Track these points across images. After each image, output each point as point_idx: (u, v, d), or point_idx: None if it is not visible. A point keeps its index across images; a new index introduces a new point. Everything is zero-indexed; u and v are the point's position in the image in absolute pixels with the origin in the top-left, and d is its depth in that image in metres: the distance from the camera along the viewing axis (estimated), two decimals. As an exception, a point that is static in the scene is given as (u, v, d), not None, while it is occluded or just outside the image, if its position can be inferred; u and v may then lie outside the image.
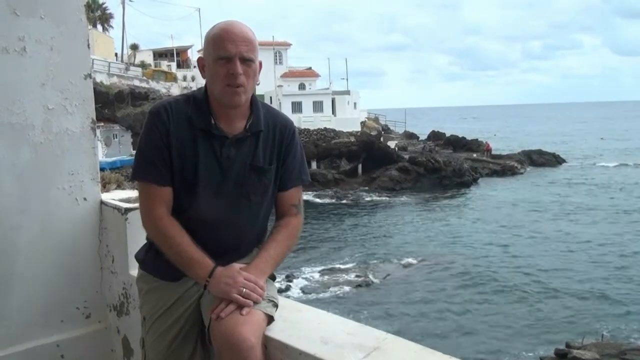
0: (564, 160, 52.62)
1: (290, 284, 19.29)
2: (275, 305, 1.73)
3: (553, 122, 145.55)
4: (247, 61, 1.72)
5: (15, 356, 2.42)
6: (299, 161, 1.90)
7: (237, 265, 1.71)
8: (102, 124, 33.60)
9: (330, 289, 19.16)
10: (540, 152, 53.10)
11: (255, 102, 1.83)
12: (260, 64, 1.80)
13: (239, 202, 1.80)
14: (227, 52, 1.69)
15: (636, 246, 23.91)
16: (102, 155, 31.40)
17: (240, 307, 1.60)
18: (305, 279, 20.16)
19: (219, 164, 1.76)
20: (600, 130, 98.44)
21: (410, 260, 22.55)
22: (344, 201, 35.22)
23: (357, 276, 20.41)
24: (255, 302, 1.63)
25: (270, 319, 1.67)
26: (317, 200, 35.02)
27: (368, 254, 23.72)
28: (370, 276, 20.42)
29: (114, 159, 29.42)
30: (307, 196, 34.74)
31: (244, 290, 1.62)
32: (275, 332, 1.65)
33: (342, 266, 21.85)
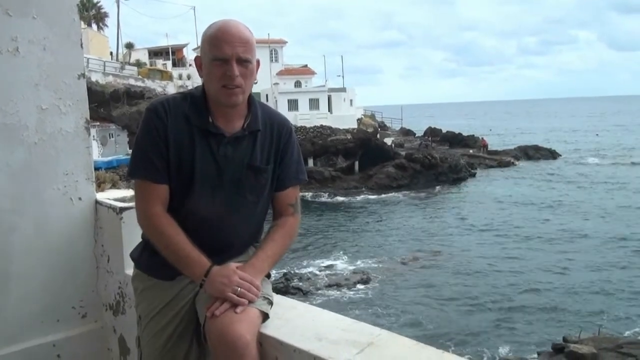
0: (559, 155, 52.80)
1: (288, 282, 19.29)
2: (270, 303, 1.74)
3: (551, 118, 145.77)
4: (243, 62, 1.71)
5: (11, 356, 2.42)
6: (296, 161, 1.91)
7: (233, 265, 1.71)
8: (98, 123, 33.54)
9: (328, 286, 19.18)
10: (536, 148, 53.28)
11: (252, 102, 1.83)
12: (258, 62, 1.79)
13: (235, 201, 1.80)
14: (223, 53, 1.69)
15: (633, 241, 24.00)
16: (98, 154, 31.37)
17: (235, 305, 1.61)
18: (303, 277, 20.16)
19: (216, 163, 1.76)
20: (597, 126, 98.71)
21: (407, 257, 22.60)
22: (341, 199, 35.26)
23: (354, 273, 20.44)
24: (250, 302, 1.63)
25: (265, 317, 1.67)
26: (315, 198, 35.04)
27: (366, 251, 23.76)
28: (368, 273, 20.44)
29: (110, 158, 29.39)
30: (304, 194, 34.77)
31: (239, 289, 1.63)
32: (270, 329, 1.66)
33: (339, 264, 21.87)
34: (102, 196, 2.72)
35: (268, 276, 1.87)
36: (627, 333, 14.50)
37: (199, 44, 1.80)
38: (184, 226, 1.75)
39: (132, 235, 2.26)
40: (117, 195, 2.74)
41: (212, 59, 1.70)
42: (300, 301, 2.01)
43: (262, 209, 1.89)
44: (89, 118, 2.65)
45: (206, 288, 1.68)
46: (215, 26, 1.74)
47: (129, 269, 2.18)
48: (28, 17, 2.39)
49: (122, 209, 2.45)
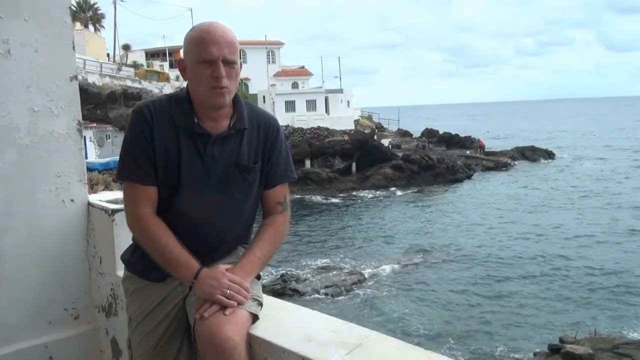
0: (557, 156, 52.91)
1: (285, 283, 19.27)
2: (260, 304, 1.74)
3: (548, 119, 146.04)
4: (230, 63, 1.72)
5: (3, 358, 2.42)
6: (284, 158, 1.90)
7: (222, 267, 1.71)
8: (95, 124, 33.48)
9: (325, 288, 19.16)
10: (533, 149, 53.37)
11: (238, 101, 1.83)
12: (241, 64, 1.80)
13: (223, 201, 1.80)
14: (210, 55, 1.69)
15: (628, 241, 24.08)
16: (95, 156, 31.27)
17: (224, 307, 1.61)
18: (300, 278, 20.14)
19: (203, 163, 1.76)
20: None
21: (403, 258, 22.61)
22: (338, 200, 35.28)
23: (351, 274, 20.43)
24: (240, 304, 1.64)
25: (255, 318, 1.68)
26: (312, 198, 35.05)
27: (362, 252, 23.75)
28: (365, 274, 20.45)
29: (107, 159, 29.27)
30: (301, 196, 34.78)
31: (228, 291, 1.63)
32: (260, 330, 1.66)
33: (336, 265, 21.85)
34: (94, 198, 2.73)
35: (258, 277, 1.88)
36: (623, 333, 14.52)
37: (183, 47, 1.81)
38: (173, 227, 1.76)
39: (124, 237, 2.26)
40: (110, 197, 2.74)
41: (200, 60, 1.70)
42: (297, 303, 2.02)
43: (251, 208, 1.89)
44: (81, 120, 2.65)
45: (195, 290, 1.68)
46: (199, 28, 1.74)
47: (121, 271, 2.18)
48: (20, 19, 2.40)
49: (114, 211, 2.46)
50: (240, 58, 1.78)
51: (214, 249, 1.82)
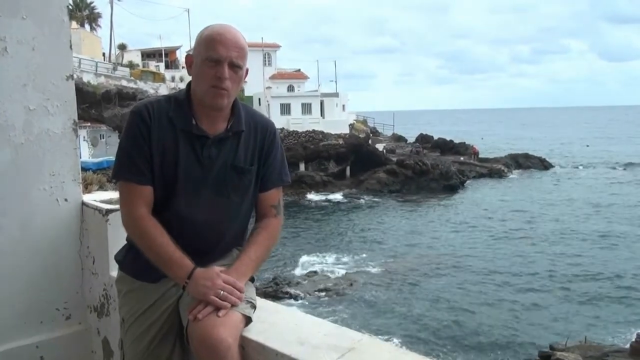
0: (550, 165, 53.02)
1: (278, 286, 19.26)
2: (254, 307, 1.74)
3: (542, 127, 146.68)
4: (235, 67, 1.73)
5: (-7, 357, 2.41)
6: (279, 162, 1.92)
7: (216, 268, 1.71)
8: (89, 124, 33.34)
9: (318, 291, 19.17)
10: (526, 156, 53.54)
11: (236, 104, 1.84)
12: (247, 71, 1.81)
13: (219, 202, 1.81)
14: (217, 54, 1.70)
15: (620, 247, 24.21)
16: (89, 155, 31.13)
17: (218, 308, 1.61)
18: (292, 281, 20.13)
19: (200, 164, 1.77)
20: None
21: (396, 262, 22.64)
22: (332, 203, 35.27)
23: (344, 278, 20.45)
24: (233, 305, 1.64)
25: (248, 320, 1.68)
26: (305, 201, 35.04)
27: (355, 255, 23.75)
28: (357, 278, 20.45)
29: (100, 159, 29.14)
30: (294, 198, 34.74)
31: (222, 292, 1.63)
32: (253, 333, 1.66)
33: (329, 268, 21.86)
34: (88, 198, 2.72)
35: (252, 280, 1.88)
36: (613, 341, 14.58)
37: (194, 43, 1.81)
38: (169, 228, 1.75)
39: (117, 237, 2.26)
40: (104, 197, 2.73)
41: (206, 58, 1.71)
42: (290, 306, 2.02)
43: (247, 210, 1.90)
44: (76, 119, 2.65)
45: (189, 290, 1.68)
46: (212, 28, 1.76)
47: (114, 271, 2.17)
48: (17, 18, 2.39)
49: (108, 211, 2.45)
50: (246, 64, 1.78)
51: (210, 250, 1.83)
